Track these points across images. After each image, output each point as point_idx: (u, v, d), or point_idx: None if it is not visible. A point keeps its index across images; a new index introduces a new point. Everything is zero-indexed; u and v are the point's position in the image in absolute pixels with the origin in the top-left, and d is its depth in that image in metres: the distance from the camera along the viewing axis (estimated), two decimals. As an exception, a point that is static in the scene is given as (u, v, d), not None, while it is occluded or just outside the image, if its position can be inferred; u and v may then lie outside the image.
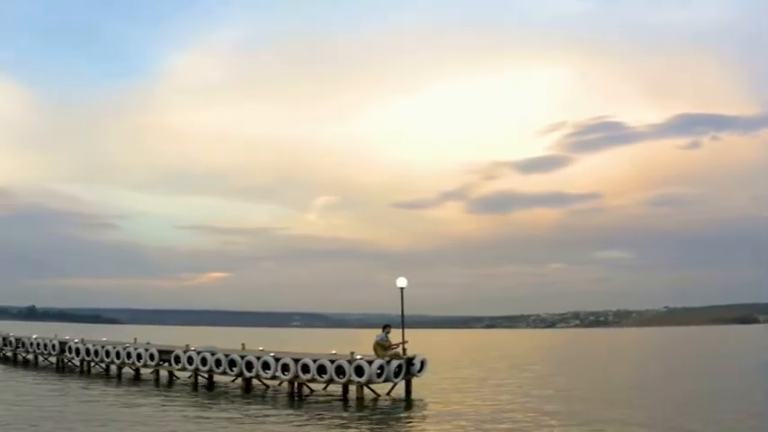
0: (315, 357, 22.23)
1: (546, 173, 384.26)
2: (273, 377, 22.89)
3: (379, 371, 21.19)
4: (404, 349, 22.91)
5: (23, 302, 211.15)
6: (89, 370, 29.11)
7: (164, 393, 23.13)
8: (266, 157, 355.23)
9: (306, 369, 22.04)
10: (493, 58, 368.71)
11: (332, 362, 21.60)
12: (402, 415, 19.76)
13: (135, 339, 30.02)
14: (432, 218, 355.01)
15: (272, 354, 23.33)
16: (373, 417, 18.91)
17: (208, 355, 24.55)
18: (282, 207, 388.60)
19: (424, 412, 20.05)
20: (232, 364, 23.83)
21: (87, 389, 23.98)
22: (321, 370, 21.73)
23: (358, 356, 21.48)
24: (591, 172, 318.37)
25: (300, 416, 18.61)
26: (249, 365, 23.38)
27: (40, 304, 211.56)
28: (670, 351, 62.52)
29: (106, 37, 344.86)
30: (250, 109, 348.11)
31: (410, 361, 22.58)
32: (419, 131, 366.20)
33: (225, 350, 25.34)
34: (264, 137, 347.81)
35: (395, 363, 21.87)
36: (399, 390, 22.55)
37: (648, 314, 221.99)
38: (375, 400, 21.68)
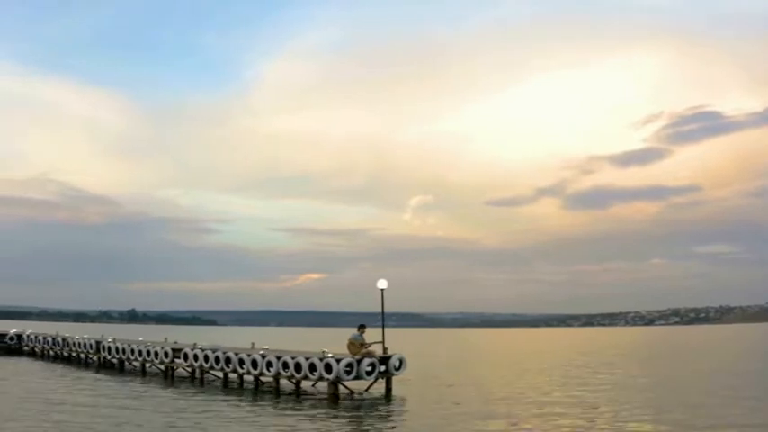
0: (293, 355, 23.70)
1: (643, 166, 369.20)
2: (261, 373, 24.56)
3: (347, 369, 22.31)
4: (384, 349, 23.96)
5: (125, 306, 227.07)
6: (122, 367, 31.98)
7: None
8: (361, 158, 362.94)
9: (286, 366, 23.56)
10: (586, 50, 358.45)
11: (306, 359, 22.97)
12: (373, 411, 20.53)
13: (165, 339, 32.70)
14: (527, 215, 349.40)
15: (260, 352, 25.04)
16: (340, 411, 19.95)
17: (209, 353, 26.63)
18: (377, 208, 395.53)
19: (396, 409, 20.85)
20: (228, 361, 25.76)
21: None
22: (297, 367, 23.17)
23: (329, 355, 22.73)
24: (690, 164, 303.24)
25: (266, 408, 20.15)
26: (241, 362, 25.21)
27: (141, 308, 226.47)
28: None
29: (200, 48, 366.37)
30: (344, 111, 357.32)
31: (385, 360, 23.55)
32: (513, 128, 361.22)
33: (225, 348, 27.32)
34: (359, 138, 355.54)
35: (367, 361, 22.92)
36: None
37: (752, 310, 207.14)
38: (351, 396, 22.80)
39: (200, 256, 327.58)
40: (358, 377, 22.77)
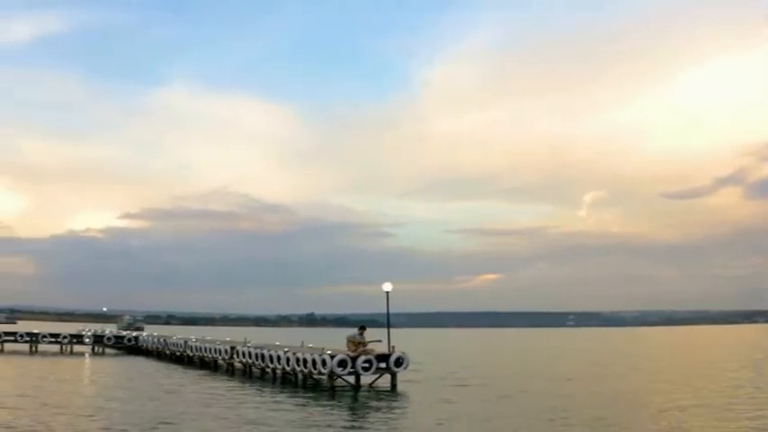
0: (303, 352, 26.47)
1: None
2: (282, 368, 27.63)
3: (341, 364, 24.56)
4: (390, 347, 25.84)
5: (304, 310, 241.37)
6: (204, 363, 36.78)
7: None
8: (531, 156, 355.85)
9: (297, 361, 26.37)
10: (759, 31, 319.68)
11: (310, 355, 25.58)
12: (369, 403, 22.26)
13: (245, 339, 37.02)
14: (706, 206, 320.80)
15: (285, 349, 28.11)
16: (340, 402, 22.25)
17: (252, 349, 30.29)
18: (551, 205, 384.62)
19: (394, 402, 22.33)
20: (262, 357, 29.19)
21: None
22: (304, 362, 25.85)
23: (328, 352, 25.16)
24: None
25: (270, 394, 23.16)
26: (270, 359, 28.48)
27: (320, 311, 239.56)
28: None
29: (368, 55, 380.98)
30: (512, 110, 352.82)
31: (384, 357, 25.37)
32: (687, 116, 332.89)
33: (263, 346, 30.79)
34: (530, 136, 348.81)
35: (363, 358, 24.93)
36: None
37: None
38: (350, 388, 24.91)
39: (375, 259, 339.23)
40: (354, 373, 24.88)
